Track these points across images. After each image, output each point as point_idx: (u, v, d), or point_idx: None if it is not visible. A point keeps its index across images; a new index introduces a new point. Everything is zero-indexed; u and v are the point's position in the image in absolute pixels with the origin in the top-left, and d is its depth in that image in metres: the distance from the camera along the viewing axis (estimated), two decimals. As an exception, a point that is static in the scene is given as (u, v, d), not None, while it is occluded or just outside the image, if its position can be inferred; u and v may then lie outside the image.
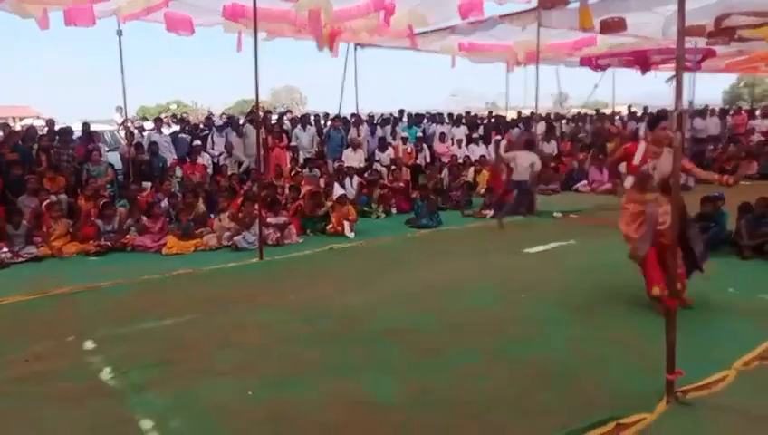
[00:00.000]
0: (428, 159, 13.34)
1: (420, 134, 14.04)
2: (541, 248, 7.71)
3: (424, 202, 9.75)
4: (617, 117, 17.72)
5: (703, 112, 17.28)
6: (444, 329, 4.81)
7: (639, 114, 17.91)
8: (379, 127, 13.90)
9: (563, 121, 17.23)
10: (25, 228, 7.74)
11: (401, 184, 11.26)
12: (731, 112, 19.51)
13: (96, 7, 8.84)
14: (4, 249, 7.40)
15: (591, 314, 5.10)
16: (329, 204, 9.26)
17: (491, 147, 14.32)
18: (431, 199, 9.83)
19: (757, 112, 19.76)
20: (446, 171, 12.32)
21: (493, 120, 16.35)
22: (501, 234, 8.87)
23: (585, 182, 13.18)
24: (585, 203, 11.31)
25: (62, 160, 9.95)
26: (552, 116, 17.46)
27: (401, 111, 15.21)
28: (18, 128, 13.48)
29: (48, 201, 8.29)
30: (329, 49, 10.92)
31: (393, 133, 13.66)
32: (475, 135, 14.50)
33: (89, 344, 4.62)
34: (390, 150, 13.05)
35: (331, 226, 8.90)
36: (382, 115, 15.14)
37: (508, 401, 3.59)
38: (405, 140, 13.44)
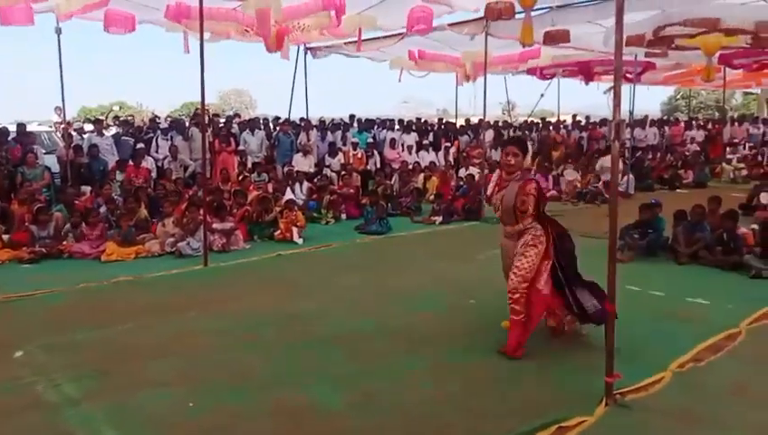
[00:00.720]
0: (378, 165, 13.36)
1: (371, 140, 14.05)
2: (488, 254, 7.80)
3: (373, 208, 9.75)
4: (561, 126, 18.21)
5: (642, 123, 18.01)
6: (391, 335, 4.81)
7: (583, 123, 18.53)
8: (329, 132, 13.83)
9: (511, 130, 17.57)
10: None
11: (351, 190, 11.23)
12: (669, 123, 20.40)
13: (34, 6, 8.47)
14: (-72, 256, 6.98)
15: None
16: (277, 209, 9.14)
17: (440, 153, 14.49)
18: (381, 205, 9.84)
19: (693, 123, 20.74)
20: (396, 177, 12.37)
21: (443, 127, 16.52)
22: (450, 240, 8.96)
23: (531, 189, 13.46)
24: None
25: (-6, 163, 9.47)
26: (501, 124, 17.79)
27: (352, 117, 15.20)
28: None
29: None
30: (277, 50, 10.79)
31: (344, 139, 13.62)
32: (425, 141, 14.62)
33: (20, 355, 4.41)
34: (341, 156, 13.01)
35: (279, 232, 8.78)
36: (333, 120, 15.09)
37: (454, 404, 3.62)
38: (355, 145, 13.44)
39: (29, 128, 11.56)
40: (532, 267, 4.29)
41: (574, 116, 19.51)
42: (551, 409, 3.51)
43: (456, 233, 9.38)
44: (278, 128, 13.58)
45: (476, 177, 11.58)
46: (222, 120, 14.54)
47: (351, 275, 6.80)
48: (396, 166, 13.19)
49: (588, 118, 19.11)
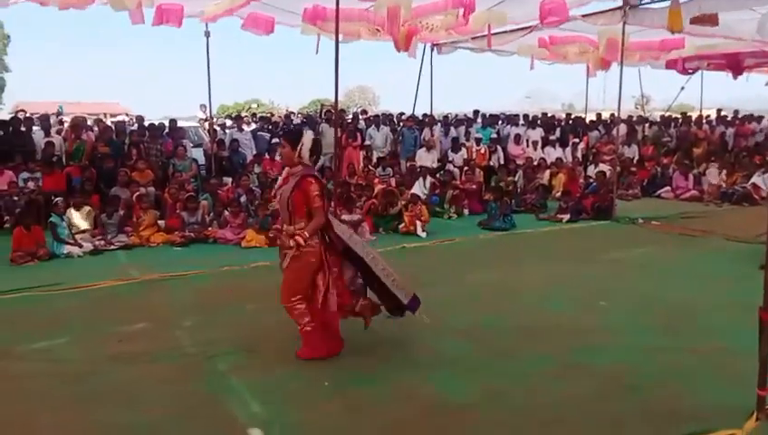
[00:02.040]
0: (502, 161, 13.16)
1: (495, 135, 13.88)
2: (620, 255, 7.46)
3: (497, 204, 9.64)
4: (704, 121, 16.83)
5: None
6: (517, 332, 4.76)
7: (730, 118, 16.96)
8: (452, 127, 13.85)
9: (646, 125, 16.53)
10: (118, 218, 8.24)
11: (474, 186, 11.18)
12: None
13: (186, 8, 9.29)
14: (99, 237, 7.92)
15: (674, 324, 4.90)
16: (402, 203, 9.33)
17: (568, 149, 13.98)
18: (504, 201, 9.71)
19: None
20: (520, 174, 12.13)
21: (570, 122, 15.91)
22: (578, 239, 8.65)
23: (668, 188, 12.62)
24: (668, 210, 10.81)
25: (150, 155, 10.53)
26: (635, 119, 16.80)
27: (476, 112, 15.09)
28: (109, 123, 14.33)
29: (138, 193, 8.78)
30: (405, 50, 10.99)
31: (467, 134, 13.57)
32: (551, 137, 14.17)
33: (177, 329, 4.87)
34: (464, 151, 12.98)
35: (403, 225, 8.96)
36: (456, 116, 15.07)
37: (584, 409, 3.51)
38: (478, 141, 13.33)
39: (179, 124, 12.68)
40: (298, 279, 4.11)
41: (719, 111, 17.92)
42: (693, 419, 3.31)
43: (584, 232, 9.04)
44: (402, 124, 13.83)
45: (608, 174, 11.07)
46: (349, 117, 15.05)
47: (475, 270, 6.79)
48: (520, 162, 12.92)
49: (736, 112, 17.44)
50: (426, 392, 3.72)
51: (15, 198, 8.72)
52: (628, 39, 10.67)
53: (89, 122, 11.93)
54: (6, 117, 13.36)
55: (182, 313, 5.26)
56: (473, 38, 12.89)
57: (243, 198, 9.43)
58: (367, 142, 12.61)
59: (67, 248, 7.40)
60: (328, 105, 15.64)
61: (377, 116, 14.83)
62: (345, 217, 8.38)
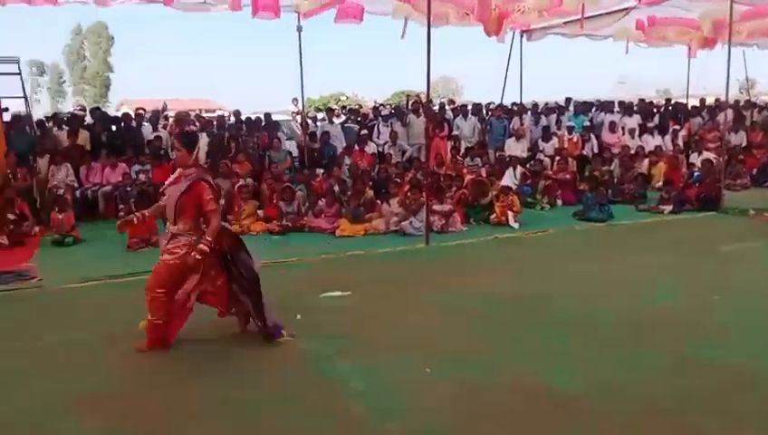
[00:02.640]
0: (596, 150, 12.69)
1: (588, 123, 13.39)
2: (730, 248, 7.03)
3: (593, 194, 9.33)
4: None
5: None
6: (625, 324, 4.61)
7: None
8: (543, 116, 13.49)
9: (755, 110, 15.39)
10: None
11: (568, 175, 10.85)
12: None
13: (282, 2, 9.55)
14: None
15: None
16: (492, 193, 9.21)
17: (667, 137, 13.27)
18: (601, 191, 9.37)
19: None
20: (616, 163, 11.64)
21: (670, 108, 15.07)
22: (683, 231, 8.22)
23: (780, 177, 11.72)
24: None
25: (248, 147, 10.98)
26: (741, 103, 15.68)
27: (568, 100, 14.60)
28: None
29: (239, 184, 9.19)
30: (495, 35, 10.79)
31: (558, 122, 13.18)
32: (649, 124, 13.49)
33: (285, 312, 5.04)
34: (555, 140, 12.61)
35: (494, 215, 8.86)
36: (547, 104, 14.66)
37: (704, 403, 3.37)
38: (570, 129, 12.90)
39: (273, 117, 13.13)
40: (170, 274, 4.15)
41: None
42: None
43: (689, 223, 8.58)
44: (490, 113, 13.63)
45: (714, 162, 10.42)
46: (435, 107, 15.00)
47: (573, 262, 6.61)
48: (616, 151, 12.39)
49: None
50: (532, 383, 3.67)
51: (128, 189, 9.37)
52: (736, 16, 9.94)
53: (192, 117, 12.59)
54: (115, 114, 14.29)
55: (285, 297, 5.44)
56: (565, 23, 12.51)
57: (335, 189, 9.65)
58: (454, 132, 12.52)
59: (176, 236, 7.87)
60: (414, 96, 15.66)
61: (464, 105, 14.69)
62: (436, 207, 8.40)
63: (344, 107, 15.98)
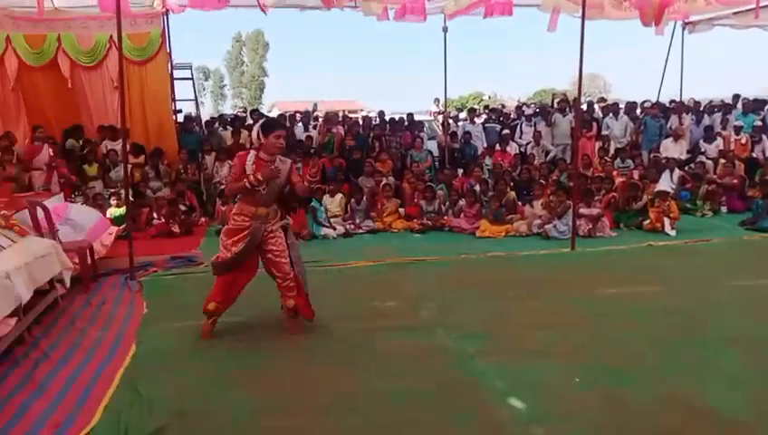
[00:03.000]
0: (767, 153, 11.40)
1: (759, 123, 12.04)
2: None
3: (765, 201, 8.39)
4: None
5: None
6: (805, 348, 4.11)
7: None
8: (706, 115, 12.36)
9: None
10: (365, 205, 8.99)
11: (734, 180, 9.86)
12: None
13: (427, 3, 9.65)
14: (349, 221, 8.75)
15: None
16: (646, 197, 8.63)
17: None
18: (775, 198, 8.41)
19: None
20: (793, 167, 10.37)
21: None
22: None
23: None
24: None
25: (391, 147, 11.27)
26: None
27: (735, 97, 13.24)
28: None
29: (382, 182, 9.47)
30: (654, 25, 10.07)
31: (724, 122, 12.00)
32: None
33: (423, 309, 5.15)
34: (719, 141, 11.51)
35: (648, 221, 8.29)
36: (711, 102, 13.41)
37: None
38: (738, 129, 11.68)
39: (416, 117, 13.35)
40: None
41: None
42: None
43: None
44: (644, 112, 12.74)
45: None
46: (583, 105, 14.34)
47: (740, 276, 6.03)
48: (793, 153, 11.04)
49: None
50: (692, 402, 3.40)
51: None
52: None
53: (336, 118, 13.18)
54: (271, 115, 15.35)
55: (426, 295, 5.54)
56: (734, 13, 11.37)
57: (476, 189, 9.60)
58: (604, 132, 11.88)
59: (324, 230, 8.33)
60: (561, 94, 15.10)
61: (615, 104, 13.89)
62: (583, 210, 8.05)
63: (486, 106, 15.81)
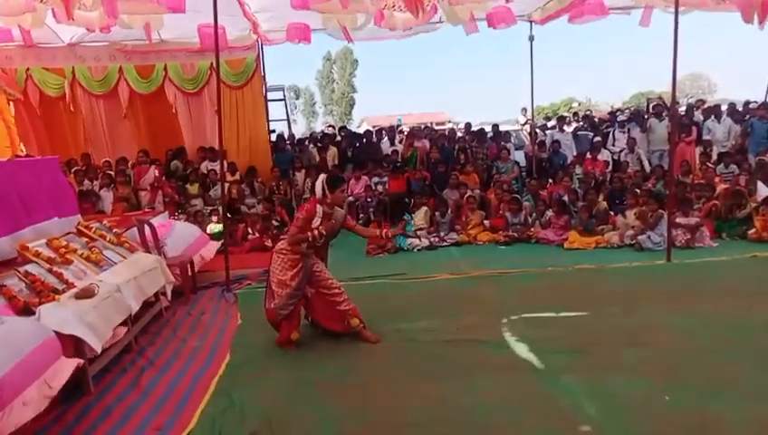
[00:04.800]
0: None
1: None
2: None
3: None
4: None
5: None
6: None
7: None
8: (822, 114, 11.33)
9: None
10: (449, 217, 9.02)
11: None
12: None
13: (514, 8, 9.55)
14: (434, 234, 8.81)
15: None
16: (752, 205, 8.06)
17: None
18: None
19: None
20: None
21: None
22: None
23: None
24: None
25: (477, 158, 11.23)
26: None
27: None
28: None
29: (467, 194, 9.46)
30: (758, 20, 9.40)
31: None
32: None
33: (507, 323, 5.10)
34: (838, 143, 10.53)
35: (753, 231, 7.74)
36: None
37: None
38: None
39: (501, 127, 13.22)
40: None
41: None
42: None
43: None
44: (751, 113, 11.89)
45: None
46: (682, 108, 13.62)
47: None
48: None
49: None
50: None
51: (369, 199, 10.28)
52: None
53: (426, 131, 13.32)
54: (357, 131, 15.74)
55: (510, 308, 5.47)
56: None
57: (564, 199, 9.37)
58: (706, 136, 11.21)
59: (410, 240, 8.40)
60: (656, 98, 14.40)
61: (717, 106, 13.06)
62: (680, 219, 7.65)
63: (575, 114, 15.36)
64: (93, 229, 5.57)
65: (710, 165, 10.24)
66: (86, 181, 9.91)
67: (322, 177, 4.80)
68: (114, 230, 5.84)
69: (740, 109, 12.22)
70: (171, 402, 3.90)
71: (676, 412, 3.41)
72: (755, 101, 12.14)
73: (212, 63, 10.44)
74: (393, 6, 8.25)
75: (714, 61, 78.85)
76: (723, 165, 10.26)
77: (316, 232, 4.63)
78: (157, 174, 9.60)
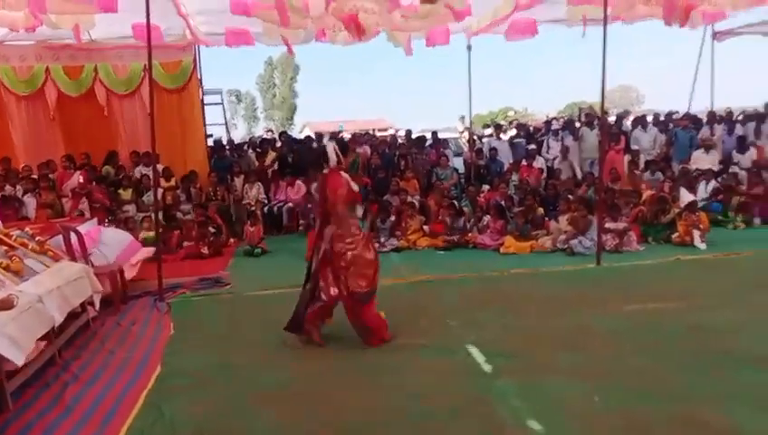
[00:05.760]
0: (806, 162, 11.05)
1: (795, 132, 11.71)
2: None
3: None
4: None
5: None
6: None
7: None
8: (739, 124, 12.09)
9: None
10: (390, 223, 9.05)
11: (761, 191, 9.60)
12: None
13: (451, 27, 9.76)
14: (375, 240, 8.80)
15: None
16: (675, 211, 8.48)
17: None
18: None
19: None
20: (834, 177, 10.05)
21: None
22: None
23: None
24: None
25: (417, 165, 11.34)
26: None
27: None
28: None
29: (407, 200, 9.53)
30: (679, 25, 9.89)
31: (758, 132, 11.72)
32: None
33: (446, 327, 5.16)
34: (752, 152, 11.24)
35: (677, 235, 8.14)
36: (744, 111, 13.12)
37: None
38: (773, 139, 11.40)
39: (441, 135, 13.42)
40: None
41: None
42: None
43: None
44: (674, 123, 12.55)
45: None
46: (611, 118, 14.21)
47: (770, 290, 5.86)
48: (833, 162, 10.70)
49: None
50: (715, 423, 3.32)
51: (309, 206, 10.19)
52: None
53: (367, 137, 13.34)
54: (298, 136, 15.63)
55: (449, 313, 5.54)
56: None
57: (501, 205, 9.57)
58: (634, 146, 11.72)
59: (349, 249, 8.38)
60: (587, 107, 14.98)
61: (643, 116, 13.70)
62: (609, 224, 7.95)
63: (511, 122, 15.78)
64: (14, 237, 5.26)
65: (637, 172, 10.71)
66: (8, 187, 9.39)
67: (333, 144, 4.86)
68: (37, 238, 5.54)
69: (664, 119, 12.87)
70: (97, 417, 3.72)
71: (606, 413, 3.52)
72: (677, 111, 12.82)
73: (146, 65, 10.13)
74: (333, 27, 8.26)
75: (642, 74, 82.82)
76: (649, 172, 10.75)
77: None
78: (82, 180, 9.17)
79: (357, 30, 7.63)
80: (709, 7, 9.58)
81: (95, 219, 7.64)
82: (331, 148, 4.77)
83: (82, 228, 6.25)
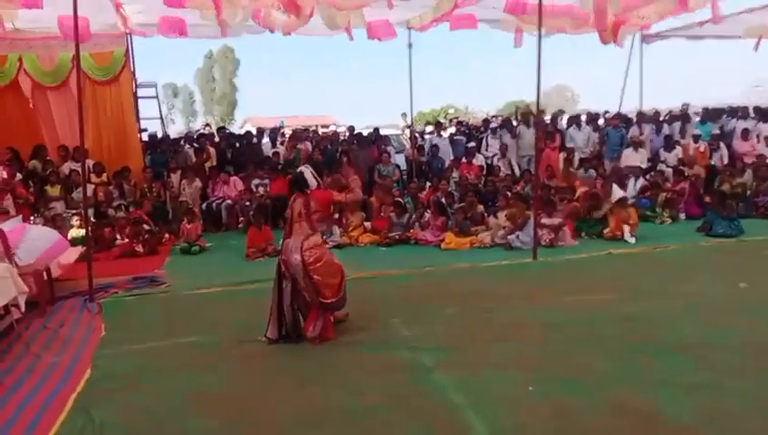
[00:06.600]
0: (726, 160, 11.74)
1: (717, 131, 12.41)
2: None
3: (721, 207, 8.63)
4: None
5: None
6: (750, 349, 4.24)
7: None
8: (666, 124, 12.70)
9: None
10: (331, 220, 8.99)
11: (684, 187, 10.12)
12: None
13: (392, 20, 9.76)
14: (315, 236, 8.74)
15: None
16: (607, 206, 8.82)
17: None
18: (730, 205, 8.65)
19: None
20: (749, 174, 10.70)
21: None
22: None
23: None
24: None
25: (359, 161, 11.32)
26: None
27: (685, 106, 13.67)
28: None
29: (348, 196, 9.49)
30: (613, 42, 10.34)
31: (683, 131, 12.34)
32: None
33: (385, 323, 5.17)
34: (678, 150, 11.83)
35: (608, 230, 8.47)
36: (670, 111, 13.79)
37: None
38: (697, 138, 12.03)
39: (384, 131, 13.45)
40: None
41: None
42: None
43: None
44: (606, 122, 13.05)
45: None
46: (547, 117, 14.62)
47: (695, 281, 6.20)
48: (749, 160, 11.39)
49: None
50: (640, 407, 3.48)
51: (247, 203, 10.01)
52: None
53: (308, 133, 13.21)
54: (239, 131, 15.29)
55: (389, 309, 5.57)
56: (699, 23, 11.73)
57: (442, 201, 9.69)
58: (569, 144, 12.11)
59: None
60: (523, 107, 15.36)
61: (578, 115, 14.19)
62: (545, 220, 8.19)
63: (451, 120, 16.00)
64: (-73, 236, 4.93)
65: (572, 170, 11.08)
66: None
67: (310, 169, 5.12)
68: (-46, 237, 5.20)
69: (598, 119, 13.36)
70: (20, 425, 3.53)
71: (540, 402, 3.63)
72: (608, 111, 13.33)
73: (74, 55, 9.68)
74: (271, 5, 8.10)
75: (576, 75, 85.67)
76: (583, 169, 11.13)
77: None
78: (5, 175, 8.68)
79: (293, 6, 7.51)
80: (637, 20, 10.05)
81: (20, 217, 7.24)
82: (308, 172, 5.01)
83: (5, 226, 5.90)
